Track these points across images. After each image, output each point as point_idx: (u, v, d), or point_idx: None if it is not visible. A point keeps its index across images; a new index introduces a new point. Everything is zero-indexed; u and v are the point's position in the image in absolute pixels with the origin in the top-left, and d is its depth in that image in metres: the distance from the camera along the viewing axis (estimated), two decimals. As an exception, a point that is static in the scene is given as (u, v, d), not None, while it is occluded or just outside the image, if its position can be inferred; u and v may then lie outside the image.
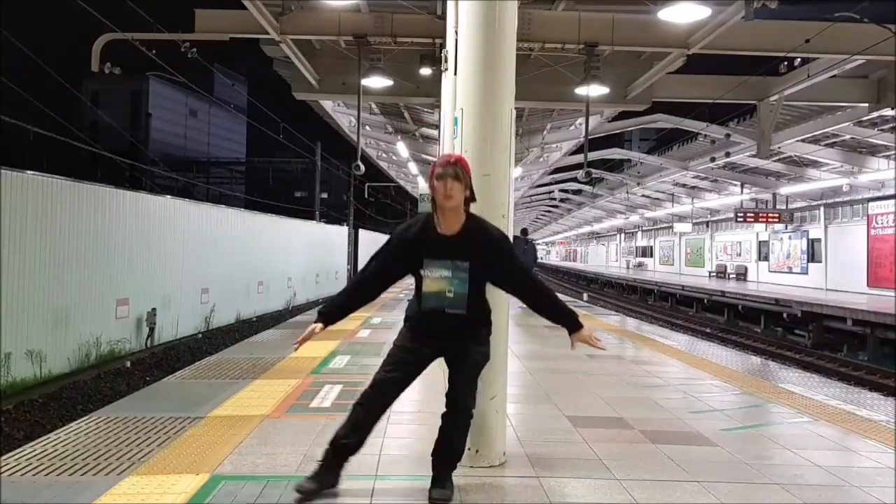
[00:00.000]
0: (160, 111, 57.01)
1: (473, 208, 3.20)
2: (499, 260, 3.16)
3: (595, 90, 10.92)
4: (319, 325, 3.20)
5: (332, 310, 3.27)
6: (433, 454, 3.27)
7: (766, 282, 27.66)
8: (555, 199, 41.93)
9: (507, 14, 3.70)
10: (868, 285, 20.30)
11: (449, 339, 3.17)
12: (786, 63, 12.85)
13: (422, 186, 20.16)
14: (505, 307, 3.79)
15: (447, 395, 3.23)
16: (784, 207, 25.04)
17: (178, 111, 59.51)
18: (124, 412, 4.67)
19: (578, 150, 18.96)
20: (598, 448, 4.07)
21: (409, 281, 3.33)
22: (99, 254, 12.67)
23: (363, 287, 3.32)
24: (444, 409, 3.25)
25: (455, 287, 3.07)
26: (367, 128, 19.00)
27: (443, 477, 3.20)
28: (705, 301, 24.29)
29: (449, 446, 3.25)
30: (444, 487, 3.17)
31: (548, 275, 60.00)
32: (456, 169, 3.06)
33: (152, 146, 49.61)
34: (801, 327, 18.07)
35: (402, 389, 3.23)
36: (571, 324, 3.27)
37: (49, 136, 15.26)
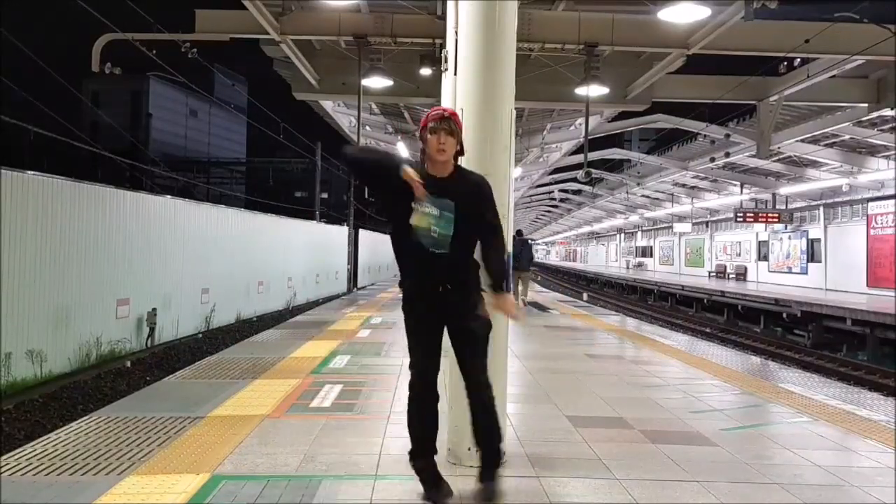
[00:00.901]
0: (160, 111, 57.02)
1: None
2: (477, 201, 3.18)
3: (595, 90, 10.94)
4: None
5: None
6: (476, 443, 3.27)
7: (765, 282, 27.67)
8: (555, 199, 41.93)
9: (507, 14, 3.71)
10: (867, 285, 20.31)
11: (438, 284, 3.14)
12: (785, 63, 12.88)
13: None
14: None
15: (462, 373, 3.25)
16: (784, 207, 25.06)
17: (179, 111, 59.51)
18: (124, 412, 4.67)
19: (578, 150, 18.97)
20: (598, 448, 4.07)
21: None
22: (99, 254, 12.67)
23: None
24: (466, 389, 3.24)
25: (440, 228, 3.08)
26: (367, 128, 19.00)
27: (489, 469, 3.20)
28: (705, 301, 24.30)
29: (483, 424, 3.22)
30: (492, 480, 3.18)
31: (548, 275, 60.02)
32: (450, 123, 3.13)
33: (152, 146, 49.60)
34: (800, 327, 18.08)
35: (438, 365, 3.24)
36: (496, 286, 3.20)
37: (49, 136, 15.26)
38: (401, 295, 3.30)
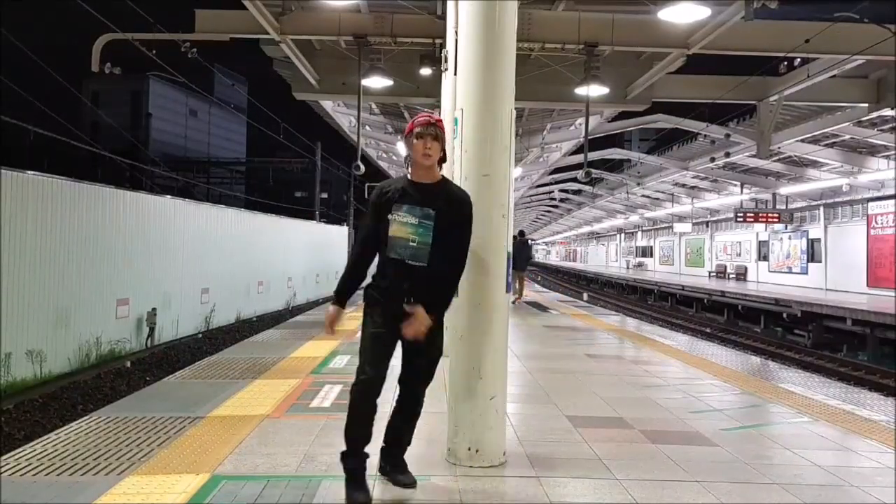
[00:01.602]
0: (160, 111, 57.00)
1: (476, 208, 3.27)
2: (455, 217, 3.15)
3: (595, 90, 10.93)
4: (340, 310, 3.24)
5: (343, 295, 3.25)
6: (387, 445, 3.34)
7: (765, 282, 27.66)
8: (555, 199, 41.91)
9: (507, 14, 3.70)
10: (868, 285, 20.31)
11: (405, 299, 3.07)
12: (786, 63, 12.85)
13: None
14: (504, 306, 3.78)
15: (404, 388, 3.25)
16: (784, 207, 25.05)
17: (178, 111, 59.49)
18: (124, 412, 4.67)
19: (578, 150, 18.96)
20: (598, 448, 4.07)
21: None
22: (99, 253, 12.67)
23: (361, 263, 3.25)
24: (397, 405, 3.28)
25: (419, 236, 3.06)
26: (367, 128, 19.00)
27: (403, 463, 3.28)
28: (705, 301, 24.29)
29: (400, 443, 3.32)
30: (407, 473, 3.24)
31: (548, 275, 60.01)
32: (436, 129, 3.16)
33: (152, 146, 49.60)
34: (800, 327, 18.07)
35: (383, 378, 3.18)
36: (431, 308, 3.12)
37: (49, 137, 15.25)
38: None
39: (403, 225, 3.07)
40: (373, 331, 3.15)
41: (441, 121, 3.28)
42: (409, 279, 3.07)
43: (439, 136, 3.17)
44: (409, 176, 3.23)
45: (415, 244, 3.06)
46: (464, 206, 3.22)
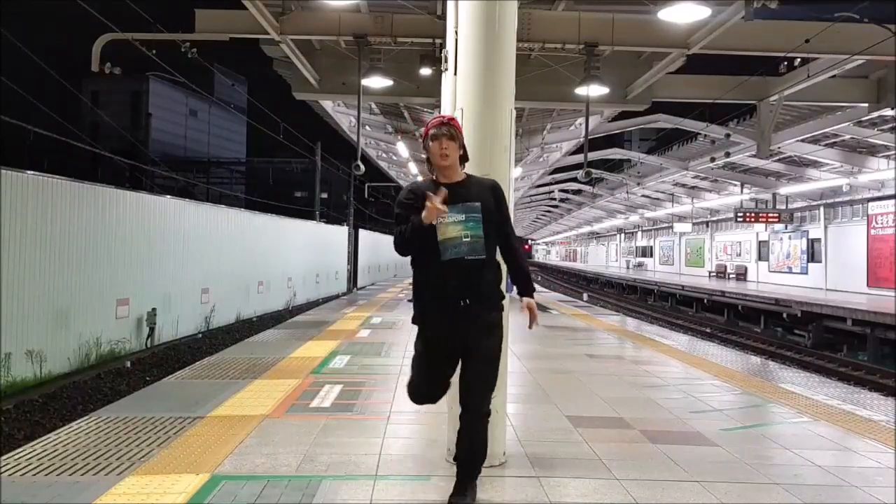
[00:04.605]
0: (160, 111, 57.03)
1: None
2: (495, 204, 3.14)
3: (595, 90, 10.92)
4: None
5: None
6: (455, 457, 3.21)
7: (765, 282, 27.66)
8: (555, 199, 41.89)
9: (507, 14, 3.70)
10: (868, 285, 20.30)
11: (463, 296, 3.02)
12: (786, 63, 12.84)
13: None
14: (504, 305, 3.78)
15: (459, 391, 3.13)
16: (784, 207, 25.05)
17: (179, 111, 59.53)
18: (124, 412, 4.68)
19: (578, 150, 18.95)
20: (598, 448, 4.07)
21: (409, 280, 3.32)
22: (99, 253, 12.67)
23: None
24: (462, 408, 3.12)
25: (471, 230, 3.01)
26: (367, 128, 19.00)
27: (464, 483, 3.08)
28: (705, 301, 24.30)
29: (463, 447, 3.12)
30: (464, 494, 3.05)
31: (548, 275, 60.02)
32: (450, 129, 3.11)
33: (153, 146, 49.61)
34: (800, 327, 18.08)
35: (444, 392, 3.27)
36: (525, 290, 3.24)
37: (49, 137, 15.25)
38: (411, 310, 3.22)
39: (454, 225, 3.00)
40: (422, 346, 3.17)
41: (455, 119, 3.22)
42: (468, 274, 3.01)
43: (455, 136, 3.10)
44: (435, 178, 3.15)
45: (469, 239, 3.01)
46: (497, 190, 3.19)
